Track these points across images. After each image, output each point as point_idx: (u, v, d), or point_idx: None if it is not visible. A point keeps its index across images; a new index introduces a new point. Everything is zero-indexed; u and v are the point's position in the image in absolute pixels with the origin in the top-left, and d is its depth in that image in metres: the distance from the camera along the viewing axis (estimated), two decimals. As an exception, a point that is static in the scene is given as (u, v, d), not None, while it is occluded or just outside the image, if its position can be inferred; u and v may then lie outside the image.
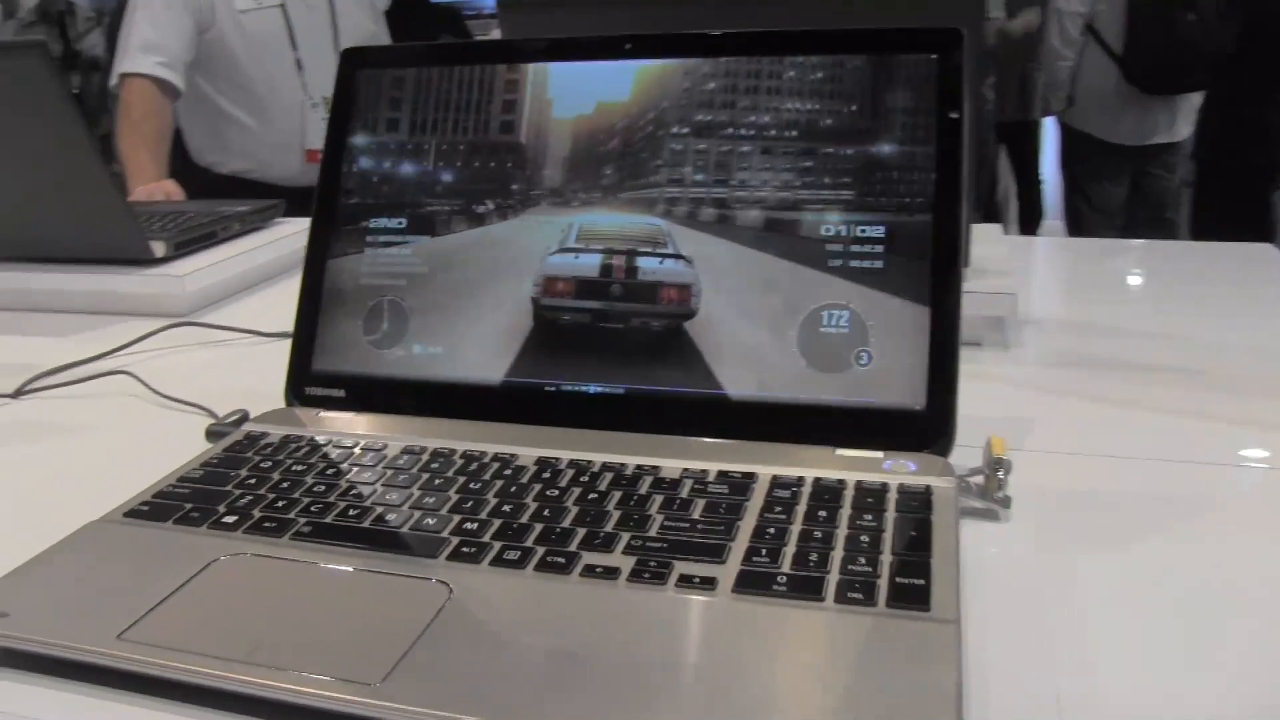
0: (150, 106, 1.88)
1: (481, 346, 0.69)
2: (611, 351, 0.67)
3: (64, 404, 0.89)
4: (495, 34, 1.25)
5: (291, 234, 1.33)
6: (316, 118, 2.04)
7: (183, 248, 1.21)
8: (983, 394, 0.85)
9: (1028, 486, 0.66)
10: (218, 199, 1.46)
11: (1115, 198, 3.04)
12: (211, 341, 1.04)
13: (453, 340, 0.70)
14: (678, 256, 0.67)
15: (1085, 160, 3.05)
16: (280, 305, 1.06)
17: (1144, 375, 0.88)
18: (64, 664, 0.47)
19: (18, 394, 0.91)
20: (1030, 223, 3.88)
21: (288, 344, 0.75)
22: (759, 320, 0.65)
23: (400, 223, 0.73)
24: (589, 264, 0.68)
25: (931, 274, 0.63)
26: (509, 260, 0.70)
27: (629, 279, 0.67)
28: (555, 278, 0.68)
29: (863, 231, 0.65)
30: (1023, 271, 1.19)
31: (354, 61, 0.77)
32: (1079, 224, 3.13)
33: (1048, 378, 0.89)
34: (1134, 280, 1.24)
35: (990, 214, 3.74)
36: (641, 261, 0.67)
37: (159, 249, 1.17)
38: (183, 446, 0.70)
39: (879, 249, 0.64)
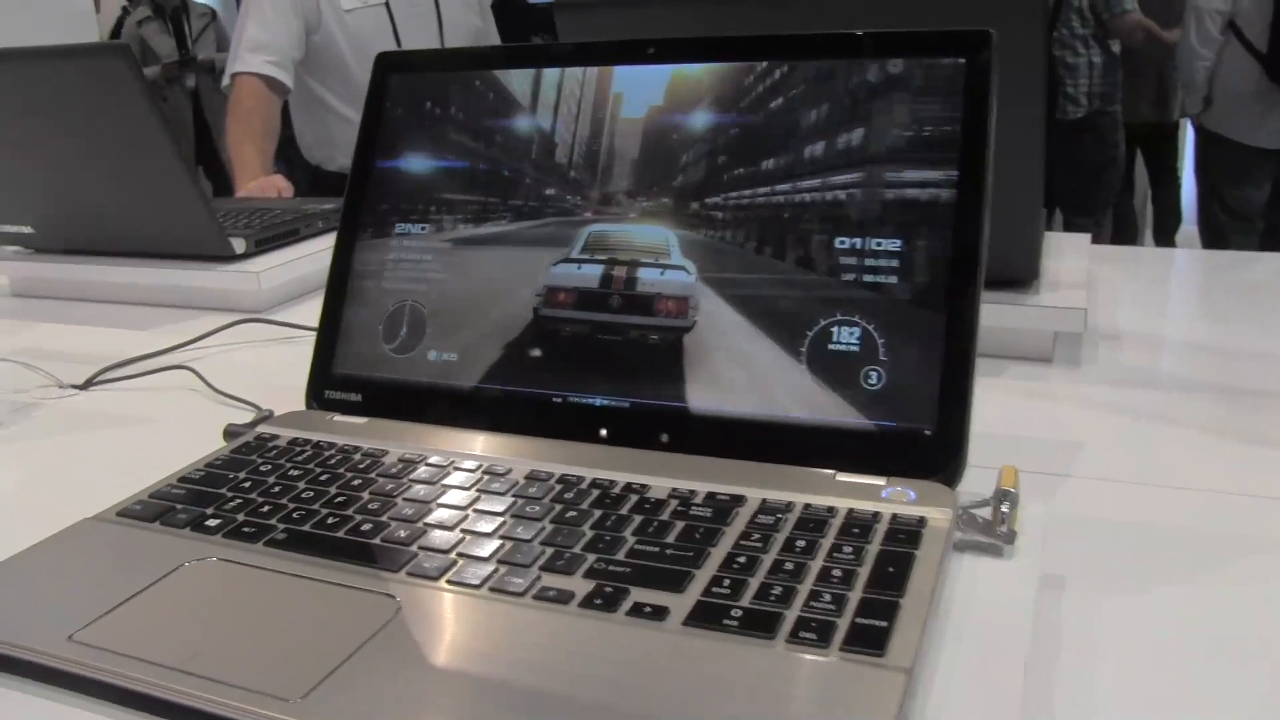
0: (256, 102, 1.93)
1: (491, 354, 0.68)
2: (615, 364, 0.65)
3: (125, 397, 0.91)
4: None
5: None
6: None
7: (263, 244, 1.24)
8: (1039, 414, 0.81)
9: (1059, 517, 0.62)
10: (320, 197, 1.49)
11: (1254, 203, 2.88)
12: (278, 338, 1.06)
13: (464, 347, 0.69)
14: (678, 267, 0.65)
15: (1224, 164, 2.90)
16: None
17: (1227, 399, 0.82)
18: (20, 664, 0.48)
19: (86, 385, 0.93)
20: (1167, 228, 3.73)
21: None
22: (764, 335, 0.62)
23: (423, 228, 0.73)
24: (590, 275, 0.66)
25: (949, 291, 0.60)
26: (521, 268, 0.69)
27: (627, 290, 0.65)
28: (557, 288, 0.67)
29: (878, 245, 0.62)
30: (1111, 284, 1.12)
31: (387, 65, 0.77)
32: (1215, 230, 2.99)
33: (1116, 398, 0.83)
34: (1241, 296, 1.16)
35: (1125, 219, 3.60)
36: (642, 273, 0.65)
37: (239, 245, 1.20)
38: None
39: (895, 263, 0.61)
